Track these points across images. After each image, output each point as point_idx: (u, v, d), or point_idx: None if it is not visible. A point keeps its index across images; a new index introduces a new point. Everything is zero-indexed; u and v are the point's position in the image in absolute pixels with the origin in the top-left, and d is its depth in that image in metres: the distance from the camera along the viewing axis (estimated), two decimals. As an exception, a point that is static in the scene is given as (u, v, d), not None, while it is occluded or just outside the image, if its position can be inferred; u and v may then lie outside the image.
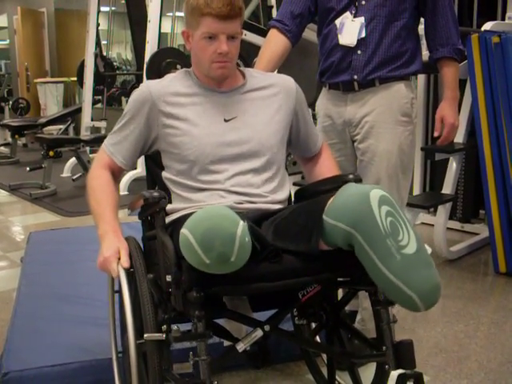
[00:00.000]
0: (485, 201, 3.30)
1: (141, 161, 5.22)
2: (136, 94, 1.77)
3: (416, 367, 1.56)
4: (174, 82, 1.79)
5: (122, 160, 1.78)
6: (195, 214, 1.39)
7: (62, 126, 8.33)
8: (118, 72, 8.83)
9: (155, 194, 1.60)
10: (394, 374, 1.51)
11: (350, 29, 2.07)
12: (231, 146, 1.73)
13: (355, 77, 2.12)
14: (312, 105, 2.38)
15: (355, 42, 2.08)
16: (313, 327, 2.04)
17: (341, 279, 1.72)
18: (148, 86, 1.78)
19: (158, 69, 4.95)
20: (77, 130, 8.37)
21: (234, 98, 1.79)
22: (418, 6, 2.12)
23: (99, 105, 7.78)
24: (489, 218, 3.29)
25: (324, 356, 2.04)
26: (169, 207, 1.72)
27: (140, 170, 5.26)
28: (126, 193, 5.14)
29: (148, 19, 5.26)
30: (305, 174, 2.08)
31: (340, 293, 1.92)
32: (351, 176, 1.72)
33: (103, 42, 7.72)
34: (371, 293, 1.63)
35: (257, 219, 1.61)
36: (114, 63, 8.64)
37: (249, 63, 4.80)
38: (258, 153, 1.75)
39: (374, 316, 1.64)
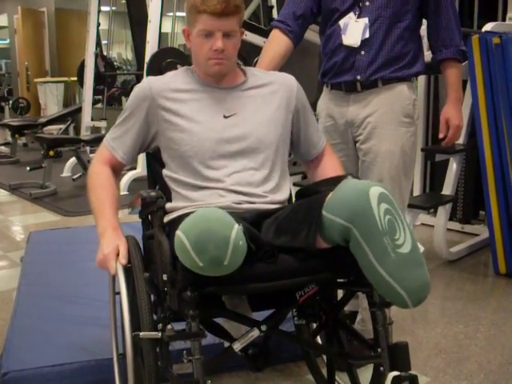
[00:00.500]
0: (485, 202, 3.30)
1: (141, 161, 5.21)
2: (136, 90, 1.79)
3: (411, 369, 1.57)
4: (175, 78, 1.81)
5: (123, 155, 1.79)
6: (190, 216, 1.39)
7: (62, 126, 8.34)
8: (118, 72, 8.85)
9: (152, 193, 1.62)
10: (391, 376, 1.51)
11: (354, 29, 2.08)
12: (230, 143, 1.73)
13: (358, 77, 2.12)
14: (313, 105, 2.37)
15: (359, 43, 2.08)
16: (313, 327, 2.03)
17: (338, 280, 1.73)
18: (149, 81, 1.80)
19: (158, 69, 4.95)
20: (77, 130, 8.38)
21: (234, 95, 1.79)
22: (420, 7, 2.12)
23: (99, 105, 7.78)
24: (489, 219, 3.29)
25: (324, 356, 2.04)
26: (168, 206, 1.73)
27: (140, 169, 5.27)
28: (126, 193, 5.14)
29: (148, 19, 5.26)
30: (309, 177, 2.06)
31: (339, 293, 1.92)
32: (350, 176, 1.72)
33: (103, 42, 7.73)
34: (368, 294, 1.64)
35: (256, 219, 1.62)
36: (115, 63, 8.65)
37: (249, 63, 4.79)
38: (257, 150, 1.75)
39: (371, 318, 1.64)
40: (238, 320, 1.68)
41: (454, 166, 3.48)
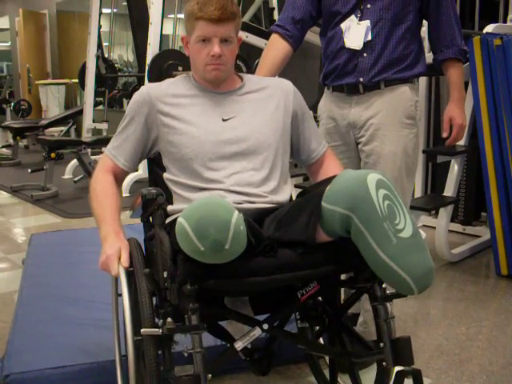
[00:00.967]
0: (486, 203, 3.30)
1: (142, 162, 5.22)
2: (135, 96, 1.82)
3: (414, 363, 1.57)
4: (174, 84, 1.84)
5: (124, 162, 1.81)
6: (191, 204, 1.41)
7: (64, 128, 8.34)
8: (119, 74, 8.82)
9: (153, 191, 1.65)
10: (395, 370, 1.53)
11: (356, 32, 2.08)
12: (229, 144, 1.75)
13: (361, 79, 2.13)
14: (314, 107, 2.38)
15: (361, 45, 2.09)
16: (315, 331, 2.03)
17: (339, 279, 1.75)
18: (147, 88, 1.83)
19: (159, 71, 4.95)
20: (78, 132, 8.38)
21: (232, 99, 1.82)
22: (421, 8, 2.13)
23: (101, 107, 7.78)
24: (490, 220, 3.29)
25: (327, 358, 2.04)
26: (170, 208, 1.75)
27: (141, 171, 5.27)
28: (128, 194, 5.14)
29: (150, 21, 5.26)
30: (312, 181, 2.04)
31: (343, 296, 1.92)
32: None
33: (105, 44, 7.74)
34: (370, 290, 1.63)
35: (256, 217, 1.62)
36: (116, 65, 8.63)
37: (250, 65, 4.80)
38: (257, 151, 1.77)
39: (373, 313, 1.64)
40: (239, 319, 1.68)
41: (455, 168, 3.48)
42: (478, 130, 3.27)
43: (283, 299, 1.70)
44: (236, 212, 1.38)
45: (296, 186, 3.70)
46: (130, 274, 1.62)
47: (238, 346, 1.59)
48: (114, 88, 8.24)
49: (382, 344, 1.58)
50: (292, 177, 3.93)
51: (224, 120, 1.78)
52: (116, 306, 1.82)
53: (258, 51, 4.36)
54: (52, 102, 10.10)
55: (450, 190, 3.49)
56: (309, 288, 1.64)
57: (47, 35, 11.09)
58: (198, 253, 1.36)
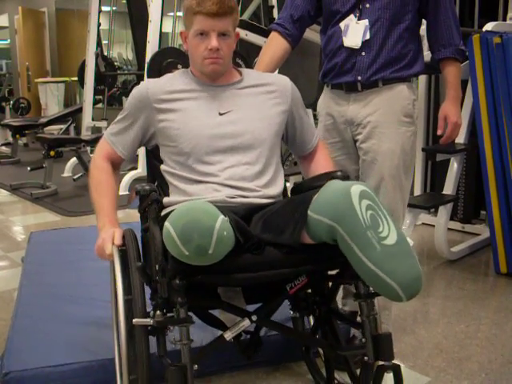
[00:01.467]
0: (486, 201, 3.30)
1: (142, 161, 5.23)
2: (135, 91, 1.87)
3: (394, 359, 1.62)
4: (172, 80, 1.88)
5: (122, 150, 1.88)
6: (178, 209, 1.46)
7: (63, 126, 8.35)
8: (118, 72, 8.84)
9: (146, 187, 1.69)
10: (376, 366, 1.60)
11: (355, 31, 2.10)
12: (225, 138, 1.79)
13: (359, 78, 2.14)
14: (313, 105, 2.39)
15: (360, 44, 2.10)
16: (306, 321, 2.13)
17: (327, 273, 1.82)
18: (146, 84, 1.87)
19: (158, 68, 4.95)
20: (78, 130, 8.39)
21: (230, 93, 1.86)
22: (420, 7, 2.14)
23: (100, 105, 7.79)
24: (490, 218, 3.29)
25: (323, 356, 2.06)
26: (166, 200, 1.81)
27: (141, 170, 5.28)
28: (127, 192, 5.14)
29: (149, 19, 5.26)
30: (301, 170, 2.15)
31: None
32: (339, 173, 1.77)
33: (104, 42, 7.73)
34: (355, 286, 1.68)
35: (247, 213, 1.68)
36: (115, 63, 8.64)
37: (249, 63, 4.80)
38: (252, 146, 1.82)
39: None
40: (229, 310, 1.75)
41: (454, 166, 3.48)
42: (478, 128, 3.27)
43: (274, 291, 1.77)
44: (221, 217, 1.42)
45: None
46: (124, 254, 1.69)
47: (227, 335, 1.67)
48: (114, 86, 8.25)
49: (363, 339, 1.64)
50: (292, 175, 3.94)
51: (221, 114, 1.82)
52: (115, 304, 1.82)
53: (257, 49, 4.36)
54: (51, 100, 10.11)
55: (449, 188, 3.49)
56: (297, 281, 1.71)
57: (46, 33, 11.09)
58: (183, 256, 1.41)
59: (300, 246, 1.56)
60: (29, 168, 5.86)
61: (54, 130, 8.35)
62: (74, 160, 6.29)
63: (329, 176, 1.77)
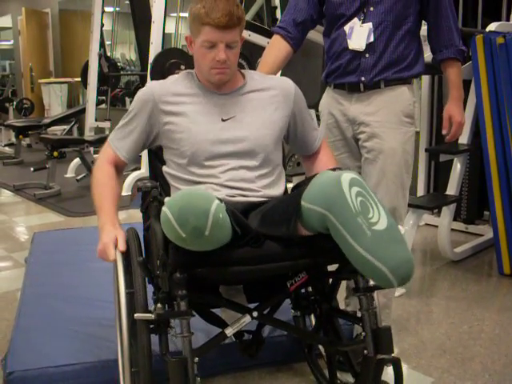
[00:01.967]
0: (489, 202, 3.30)
1: (144, 162, 5.24)
2: (139, 94, 1.88)
3: (394, 352, 1.63)
4: (176, 83, 1.89)
5: (126, 155, 1.89)
6: (175, 194, 1.49)
7: (66, 127, 8.34)
8: (121, 72, 8.83)
9: (148, 184, 1.71)
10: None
11: (359, 34, 2.14)
12: (226, 144, 1.81)
13: (362, 78, 2.19)
14: (316, 105, 2.40)
15: (364, 47, 2.15)
16: (307, 319, 2.15)
17: (326, 269, 1.84)
18: (151, 86, 1.88)
19: (161, 69, 4.95)
20: (81, 131, 8.39)
21: (233, 99, 1.87)
22: (421, 10, 2.19)
23: (103, 105, 7.78)
24: (493, 219, 3.28)
25: (325, 356, 2.06)
26: (167, 200, 1.78)
27: (143, 170, 5.28)
28: (130, 193, 5.14)
29: (152, 20, 5.26)
30: (305, 170, 2.17)
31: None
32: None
33: (107, 43, 7.74)
34: (354, 281, 1.70)
35: (245, 210, 1.70)
36: (118, 64, 8.65)
37: (252, 63, 4.80)
38: (253, 152, 1.83)
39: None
40: (230, 307, 1.77)
41: (458, 166, 3.48)
42: (481, 128, 3.26)
43: (275, 289, 1.79)
44: (216, 201, 1.44)
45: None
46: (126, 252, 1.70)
47: (228, 332, 1.69)
48: (117, 87, 8.24)
49: (363, 333, 1.65)
50: (295, 175, 3.93)
51: (223, 120, 1.83)
52: (118, 304, 1.83)
53: (260, 50, 4.35)
54: (54, 101, 10.11)
55: (452, 189, 3.48)
56: (298, 278, 1.74)
57: (50, 34, 11.09)
58: (180, 239, 1.43)
59: (298, 238, 1.59)
60: (32, 168, 5.86)
61: (58, 131, 8.35)
62: (77, 160, 6.30)
63: None
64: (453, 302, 2.93)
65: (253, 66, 4.78)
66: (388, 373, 1.69)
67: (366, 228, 1.45)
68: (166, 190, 1.89)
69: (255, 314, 1.70)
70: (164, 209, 1.44)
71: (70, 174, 6.42)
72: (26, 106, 10.07)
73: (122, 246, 1.68)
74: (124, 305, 1.62)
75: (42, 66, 11.11)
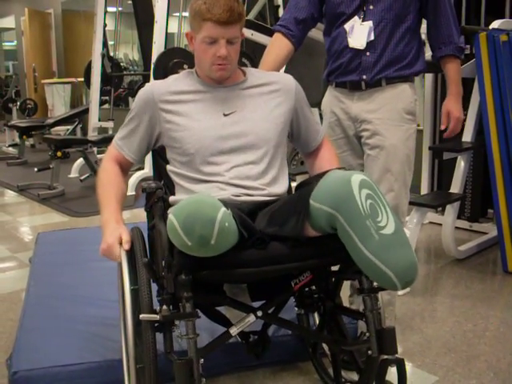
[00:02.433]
0: (493, 200, 3.29)
1: (148, 161, 5.25)
2: (140, 93, 1.88)
3: (398, 353, 1.62)
4: (177, 81, 1.89)
5: (129, 153, 1.89)
6: (181, 201, 1.48)
7: (70, 127, 8.37)
8: (125, 72, 8.85)
9: (152, 184, 1.71)
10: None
11: (359, 32, 2.15)
12: (229, 139, 1.81)
13: (364, 77, 2.19)
14: (319, 104, 2.40)
15: (365, 45, 2.15)
16: (311, 317, 2.16)
17: (331, 269, 1.84)
18: (152, 85, 1.89)
19: (164, 69, 4.95)
20: (84, 131, 8.40)
21: (234, 94, 1.87)
22: (420, 7, 2.20)
23: (106, 105, 7.80)
24: (497, 217, 3.28)
25: (330, 355, 2.07)
26: (172, 199, 1.82)
27: (147, 170, 5.28)
28: (134, 193, 5.15)
29: (155, 19, 5.27)
30: (307, 168, 2.17)
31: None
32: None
33: (110, 43, 7.74)
34: (358, 281, 1.70)
35: (252, 210, 1.70)
36: (121, 64, 8.66)
37: (255, 62, 4.80)
38: (256, 145, 1.83)
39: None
40: (234, 306, 1.76)
41: (461, 164, 3.47)
42: (485, 126, 3.25)
43: (279, 288, 1.78)
44: (222, 209, 1.44)
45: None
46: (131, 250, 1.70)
47: (233, 331, 1.69)
48: (120, 86, 8.26)
49: (367, 334, 1.65)
50: (298, 174, 3.93)
51: (225, 115, 1.83)
52: (123, 303, 1.83)
53: (263, 48, 4.35)
54: (58, 101, 10.14)
55: (456, 187, 3.48)
56: (302, 277, 1.74)
57: (53, 34, 11.12)
58: (186, 247, 1.43)
59: (304, 239, 1.58)
60: (36, 169, 5.87)
61: (61, 131, 8.38)
62: (80, 161, 6.30)
63: None
64: (457, 301, 2.93)
65: (256, 65, 4.74)
66: (392, 372, 1.69)
67: (374, 231, 1.45)
68: (170, 188, 1.89)
69: (259, 313, 1.70)
70: (170, 216, 1.43)
71: (73, 174, 6.43)
72: (29, 106, 10.10)
73: (126, 244, 1.68)
74: (129, 302, 1.61)
75: (45, 67, 11.15)
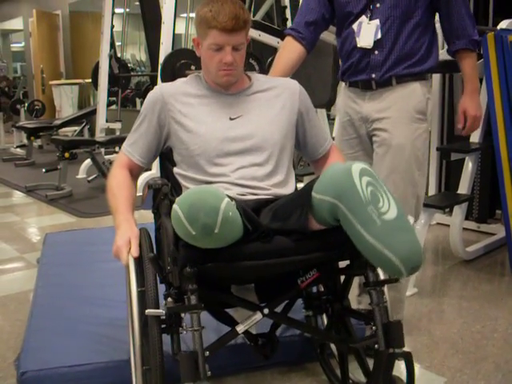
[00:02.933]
0: (501, 200, 3.28)
1: (156, 163, 5.25)
2: (149, 95, 1.91)
3: (404, 346, 1.62)
4: (185, 84, 1.93)
5: (139, 157, 1.92)
6: (185, 192, 1.51)
7: (77, 128, 8.39)
8: (132, 73, 8.86)
9: (158, 181, 1.75)
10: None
11: (367, 31, 2.15)
12: (235, 142, 1.83)
13: (373, 75, 2.19)
14: (327, 105, 2.41)
15: (372, 44, 2.15)
16: (319, 319, 2.16)
17: (337, 266, 1.85)
18: (160, 87, 1.93)
19: (172, 70, 4.96)
20: (92, 132, 8.43)
21: (240, 99, 1.90)
22: (431, 1, 2.16)
23: (114, 106, 7.81)
24: (505, 217, 3.27)
25: (337, 355, 2.06)
26: (178, 199, 1.80)
27: (155, 171, 5.29)
28: (141, 194, 5.15)
29: (162, 20, 5.27)
30: (316, 175, 2.13)
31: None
32: None
33: (117, 44, 7.77)
34: (364, 276, 1.71)
35: (257, 207, 1.71)
36: (129, 64, 8.67)
37: (263, 63, 4.80)
38: (262, 148, 1.85)
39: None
40: (241, 305, 1.78)
41: (469, 165, 3.46)
42: (493, 126, 3.24)
43: (286, 287, 1.79)
44: (226, 199, 1.46)
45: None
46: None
47: (240, 329, 1.70)
48: (127, 87, 8.27)
49: (374, 327, 1.65)
50: (306, 175, 3.93)
51: (231, 119, 1.86)
52: (131, 304, 1.84)
53: (270, 50, 4.36)
54: (65, 102, 10.16)
55: (464, 188, 3.47)
56: (309, 275, 1.75)
57: (60, 36, 11.15)
58: (190, 236, 1.45)
59: (308, 232, 1.59)
60: (44, 170, 5.89)
61: (69, 132, 8.41)
62: (88, 161, 6.32)
63: None
64: (465, 302, 2.92)
65: (263, 66, 4.78)
66: (400, 367, 1.68)
67: (375, 217, 1.46)
68: (177, 191, 1.89)
69: (266, 310, 1.71)
70: (174, 206, 1.45)
71: (81, 174, 6.45)
72: (37, 107, 10.13)
73: (134, 252, 1.69)
74: (135, 303, 1.63)
75: (53, 68, 11.18)
